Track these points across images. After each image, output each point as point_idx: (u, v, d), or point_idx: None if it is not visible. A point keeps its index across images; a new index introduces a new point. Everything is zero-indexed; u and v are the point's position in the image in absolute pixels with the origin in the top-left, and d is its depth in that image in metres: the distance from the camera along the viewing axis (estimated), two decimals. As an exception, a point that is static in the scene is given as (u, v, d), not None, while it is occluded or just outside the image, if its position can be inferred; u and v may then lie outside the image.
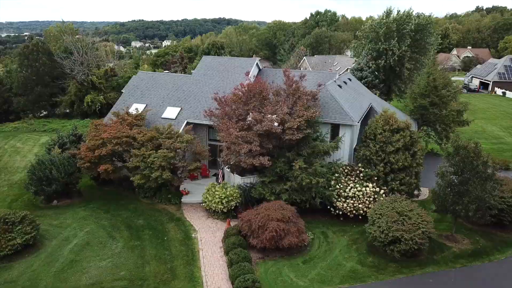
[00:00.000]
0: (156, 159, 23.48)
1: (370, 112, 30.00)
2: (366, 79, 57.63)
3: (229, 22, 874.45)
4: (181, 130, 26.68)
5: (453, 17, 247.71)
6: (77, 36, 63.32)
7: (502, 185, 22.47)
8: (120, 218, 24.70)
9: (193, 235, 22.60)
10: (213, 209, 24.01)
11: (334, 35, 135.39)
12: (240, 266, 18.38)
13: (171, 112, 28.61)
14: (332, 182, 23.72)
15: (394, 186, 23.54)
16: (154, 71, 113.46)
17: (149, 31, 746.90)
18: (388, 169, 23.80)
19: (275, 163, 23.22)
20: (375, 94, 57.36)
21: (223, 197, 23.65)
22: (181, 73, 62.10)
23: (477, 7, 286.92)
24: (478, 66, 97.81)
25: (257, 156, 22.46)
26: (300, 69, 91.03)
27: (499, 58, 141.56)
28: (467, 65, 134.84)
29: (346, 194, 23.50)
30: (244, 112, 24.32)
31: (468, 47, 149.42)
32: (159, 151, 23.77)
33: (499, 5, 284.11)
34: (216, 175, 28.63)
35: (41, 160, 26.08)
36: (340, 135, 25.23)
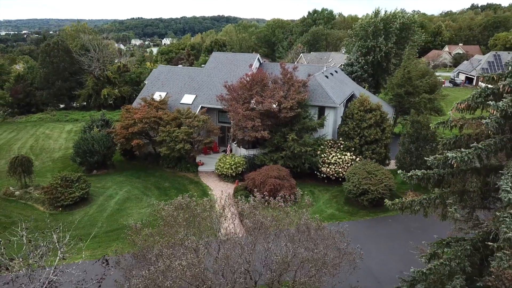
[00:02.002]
0: (179, 133, 29.72)
1: (352, 97, 36.23)
2: (356, 74, 63.96)
3: (228, 20, 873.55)
4: (197, 112, 32.91)
5: (448, 14, 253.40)
6: (90, 37, 69.23)
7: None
8: (149, 182, 30.99)
9: (209, 193, 28.91)
10: (224, 173, 30.29)
11: (330, 33, 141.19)
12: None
13: (188, 99, 34.83)
14: (318, 152, 29.98)
15: (368, 155, 29.77)
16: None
17: (148, 29, 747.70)
18: (363, 141, 30.05)
19: (273, 136, 29.49)
20: (364, 87, 63.81)
21: (232, 164, 29.94)
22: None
23: (472, 4, 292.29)
24: (465, 62, 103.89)
25: (259, 131, 28.69)
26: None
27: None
28: (457, 62, 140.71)
29: (329, 161, 29.76)
30: (249, 96, 30.52)
31: (460, 44, 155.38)
32: (181, 128, 30.02)
33: (494, 3, 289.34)
34: (224, 151, 34.90)
35: (84, 136, 32.34)
36: (325, 115, 31.49)
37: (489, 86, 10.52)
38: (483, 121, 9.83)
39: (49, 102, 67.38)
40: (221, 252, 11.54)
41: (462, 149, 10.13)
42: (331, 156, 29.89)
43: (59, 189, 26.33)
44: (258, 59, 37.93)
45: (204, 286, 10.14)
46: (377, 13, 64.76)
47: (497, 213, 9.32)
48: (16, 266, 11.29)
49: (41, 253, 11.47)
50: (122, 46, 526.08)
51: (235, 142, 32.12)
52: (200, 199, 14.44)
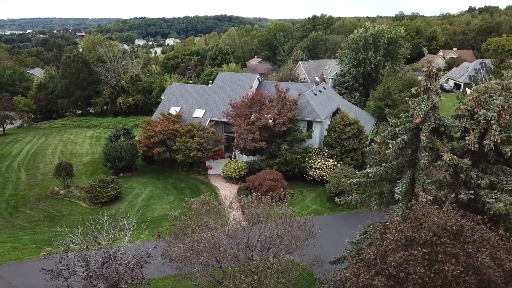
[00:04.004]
0: (192, 143, 36.37)
1: (337, 111, 42.75)
2: (347, 84, 70.60)
3: (230, 19, 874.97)
4: (206, 125, 39.52)
5: (445, 17, 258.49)
6: (104, 49, 75.86)
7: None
8: (168, 183, 37.68)
9: (217, 192, 35.56)
10: (229, 176, 36.94)
11: (329, 38, 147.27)
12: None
13: (199, 113, 41.46)
14: (306, 159, 36.56)
15: (347, 161, 36.31)
16: (166, 73, 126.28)
17: (151, 28, 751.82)
18: (343, 150, 36.58)
19: (269, 146, 36.08)
20: (355, 96, 70.41)
21: (236, 168, 36.58)
22: (195, 78, 74.82)
23: (470, 7, 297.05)
24: (454, 68, 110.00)
25: (258, 142, 35.28)
26: (296, 73, 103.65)
27: (482, 58, 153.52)
28: (451, 66, 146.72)
29: (315, 166, 36.33)
30: (249, 113, 37.09)
31: (454, 49, 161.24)
32: (194, 138, 36.67)
33: (492, 5, 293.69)
34: (229, 157, 41.54)
35: (113, 145, 39.02)
36: (312, 128, 38.08)
37: (395, 128, 16.86)
38: (387, 151, 16.29)
39: (69, 109, 74.20)
40: (230, 232, 18.03)
41: (377, 167, 16.64)
42: (317, 162, 36.47)
43: (98, 189, 33.05)
44: (258, 78, 44.51)
45: (219, 250, 16.65)
46: (367, 29, 71.10)
47: (393, 206, 15.84)
48: (102, 241, 17.93)
49: (117, 233, 18.12)
50: (126, 47, 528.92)
51: (238, 150, 38.70)
52: (214, 197, 20.99)
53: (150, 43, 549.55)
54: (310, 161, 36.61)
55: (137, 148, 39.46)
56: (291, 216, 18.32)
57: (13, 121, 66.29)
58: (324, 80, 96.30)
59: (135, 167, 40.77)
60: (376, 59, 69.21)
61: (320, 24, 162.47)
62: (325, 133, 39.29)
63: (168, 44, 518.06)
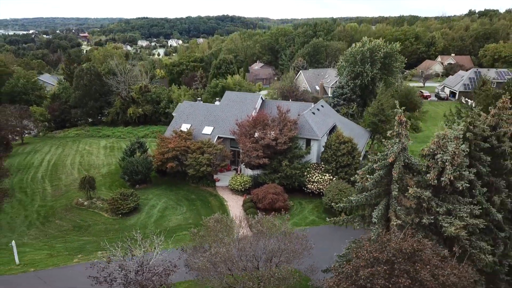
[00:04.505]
0: (202, 160, 40.46)
1: (334, 128, 46.78)
2: (345, 95, 74.60)
3: (232, 19, 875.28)
4: (214, 141, 43.59)
5: (445, 21, 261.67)
6: (115, 62, 79.97)
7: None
8: (180, 194, 41.79)
9: (224, 203, 39.65)
10: (236, 188, 41.02)
11: (330, 45, 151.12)
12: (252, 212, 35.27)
13: (207, 130, 45.55)
14: (305, 173, 40.60)
15: (342, 176, 40.33)
16: (171, 80, 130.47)
17: (153, 29, 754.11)
18: (338, 165, 40.60)
19: (272, 162, 40.13)
20: (353, 107, 74.34)
21: (241, 182, 40.68)
22: (201, 89, 78.90)
23: (470, 10, 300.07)
24: (450, 76, 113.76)
25: (261, 158, 39.33)
26: (297, 81, 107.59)
27: (479, 64, 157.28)
28: (448, 72, 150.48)
29: (313, 180, 40.36)
30: (253, 131, 41.14)
31: (452, 55, 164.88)
32: (204, 155, 40.76)
33: (492, 8, 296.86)
34: (235, 169, 45.62)
35: (131, 160, 43.13)
36: (310, 146, 42.12)
37: (373, 164, 20.85)
38: (366, 183, 20.32)
39: (82, 119, 78.42)
40: (240, 245, 22.04)
41: (359, 195, 20.70)
42: (315, 176, 40.51)
43: (119, 202, 37.18)
44: (261, 98, 48.57)
45: (232, 262, 20.65)
46: (364, 43, 75.02)
47: (371, 227, 19.90)
48: (135, 252, 22.00)
49: (147, 244, 22.20)
50: (129, 48, 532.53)
51: (243, 164, 42.76)
52: (227, 216, 25.04)
53: (153, 44, 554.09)
54: (308, 175, 40.65)
55: (151, 162, 43.57)
56: (290, 233, 22.35)
57: (31, 131, 70.48)
58: (324, 89, 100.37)
59: (150, 180, 44.87)
60: (372, 72, 73.18)
61: (321, 30, 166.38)
62: (322, 149, 43.30)
63: (171, 45, 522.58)
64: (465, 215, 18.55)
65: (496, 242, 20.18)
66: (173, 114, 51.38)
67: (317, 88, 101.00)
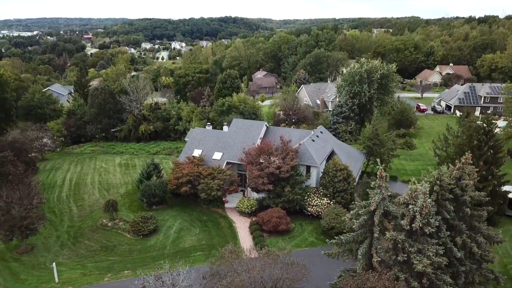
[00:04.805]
0: (213, 185, 45.26)
1: (332, 153, 51.47)
2: (344, 114, 79.29)
3: (235, 20, 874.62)
4: (224, 166, 48.36)
5: (445, 27, 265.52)
6: (127, 81, 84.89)
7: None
8: (193, 216, 46.60)
9: (233, 225, 44.41)
10: (243, 211, 45.81)
11: (331, 55, 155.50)
12: (258, 238, 40.08)
13: (217, 155, 50.35)
14: (305, 197, 45.33)
15: (338, 200, 45.02)
16: (177, 90, 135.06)
17: (157, 30, 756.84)
18: (335, 190, 45.30)
19: (275, 187, 44.88)
20: (351, 125, 78.96)
21: (248, 205, 45.46)
22: (208, 107, 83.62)
23: (470, 17, 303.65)
24: (446, 90, 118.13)
25: (266, 185, 44.08)
26: (299, 95, 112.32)
27: (477, 74, 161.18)
28: (447, 82, 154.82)
29: (312, 204, 45.09)
30: (258, 159, 45.89)
31: (450, 64, 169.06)
32: (215, 180, 45.55)
33: (492, 14, 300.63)
34: (242, 191, 50.42)
35: (148, 183, 47.94)
36: (310, 172, 46.86)
37: (358, 211, 25.56)
38: (353, 226, 25.04)
39: (96, 135, 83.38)
40: (250, 274, 26.78)
41: (348, 234, 25.45)
42: (314, 200, 45.26)
43: (140, 224, 42.01)
44: (265, 125, 53.34)
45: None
46: (362, 64, 79.66)
47: (357, 261, 24.70)
48: (165, 279, 26.78)
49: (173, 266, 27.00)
50: (133, 50, 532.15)
51: (250, 187, 47.54)
52: (239, 248, 29.79)
53: (156, 46, 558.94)
54: (308, 199, 45.39)
55: (167, 185, 48.37)
56: (292, 264, 27.11)
57: (50, 148, 75.33)
58: (324, 103, 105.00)
59: (166, 201, 49.67)
60: (370, 92, 77.86)
61: (323, 40, 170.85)
62: (321, 174, 47.99)
63: (174, 48, 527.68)
64: (432, 254, 23.24)
65: (458, 275, 24.87)
66: (186, 139, 56.16)
67: (318, 102, 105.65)
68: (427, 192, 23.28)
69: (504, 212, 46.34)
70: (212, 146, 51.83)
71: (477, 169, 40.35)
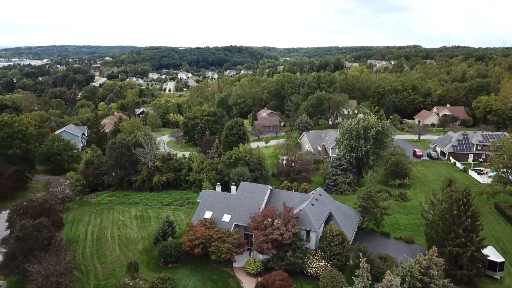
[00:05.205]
0: (223, 248, 51.07)
1: (330, 215, 57.36)
2: (343, 166, 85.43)
3: (240, 49, 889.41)
4: (232, 229, 54.25)
5: (443, 65, 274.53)
6: (142, 134, 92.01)
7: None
8: (205, 275, 52.17)
9: (241, 285, 49.92)
10: (249, 271, 51.41)
11: (332, 97, 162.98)
12: (264, 300, 45.54)
13: (226, 218, 56.37)
14: (306, 260, 50.94)
15: (334, 263, 50.57)
16: (186, 132, 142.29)
17: (164, 60, 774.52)
18: (332, 253, 50.92)
19: (279, 251, 50.62)
20: (349, 177, 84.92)
21: (254, 266, 51.12)
22: (217, 158, 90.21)
23: (468, 54, 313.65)
24: (441, 137, 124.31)
25: (270, 249, 49.85)
26: (301, 142, 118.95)
27: (473, 115, 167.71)
28: (443, 124, 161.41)
29: (312, 266, 50.65)
30: (263, 224, 51.78)
31: (447, 105, 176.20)
32: (225, 244, 51.39)
33: (493, 46, 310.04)
34: (249, 250, 56.13)
35: (165, 244, 53.82)
36: (310, 236, 52.68)
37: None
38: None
39: (113, 184, 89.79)
40: None
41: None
42: (313, 263, 50.87)
43: (159, 285, 47.62)
44: (270, 188, 59.59)
45: None
46: (358, 121, 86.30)
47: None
48: None
49: None
50: (140, 81, 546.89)
51: (255, 249, 53.28)
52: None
53: (163, 76, 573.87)
54: (308, 261, 51.01)
55: (181, 245, 54.19)
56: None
57: (71, 198, 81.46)
58: (325, 150, 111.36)
59: (180, 259, 55.36)
60: (366, 147, 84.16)
61: (325, 82, 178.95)
62: (320, 235, 53.68)
63: (180, 78, 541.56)
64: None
65: None
66: (198, 200, 62.32)
67: (319, 148, 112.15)
68: (399, 285, 29.06)
69: (484, 273, 51.56)
70: (222, 208, 57.92)
71: (457, 237, 46.28)
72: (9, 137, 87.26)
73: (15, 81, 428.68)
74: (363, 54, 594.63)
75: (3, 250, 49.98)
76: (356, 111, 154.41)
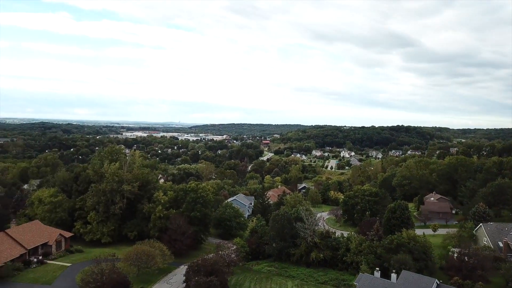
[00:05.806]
0: None
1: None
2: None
3: (407, 129, 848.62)
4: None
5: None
6: (303, 209, 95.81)
7: None
8: None
9: None
10: None
11: None
12: None
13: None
14: None
15: None
16: (345, 210, 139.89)
17: (327, 138, 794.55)
18: None
19: None
20: None
21: None
22: (377, 241, 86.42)
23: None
24: None
25: None
26: (477, 234, 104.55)
27: None
28: None
29: None
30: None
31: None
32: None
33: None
34: None
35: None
36: None
37: None
38: None
39: (272, 255, 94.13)
40: None
41: None
42: None
43: None
44: (436, 282, 53.99)
45: None
46: None
47: None
48: None
49: None
50: (304, 157, 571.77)
51: None
52: None
53: (326, 154, 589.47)
54: None
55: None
56: None
57: (235, 263, 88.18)
58: (508, 247, 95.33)
59: None
60: None
61: (508, 168, 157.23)
62: None
63: (343, 156, 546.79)
64: None
65: None
66: (355, 283, 60.55)
67: (500, 244, 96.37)
68: None
69: None
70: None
71: None
72: (193, 201, 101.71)
73: (200, 152, 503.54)
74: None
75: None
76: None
